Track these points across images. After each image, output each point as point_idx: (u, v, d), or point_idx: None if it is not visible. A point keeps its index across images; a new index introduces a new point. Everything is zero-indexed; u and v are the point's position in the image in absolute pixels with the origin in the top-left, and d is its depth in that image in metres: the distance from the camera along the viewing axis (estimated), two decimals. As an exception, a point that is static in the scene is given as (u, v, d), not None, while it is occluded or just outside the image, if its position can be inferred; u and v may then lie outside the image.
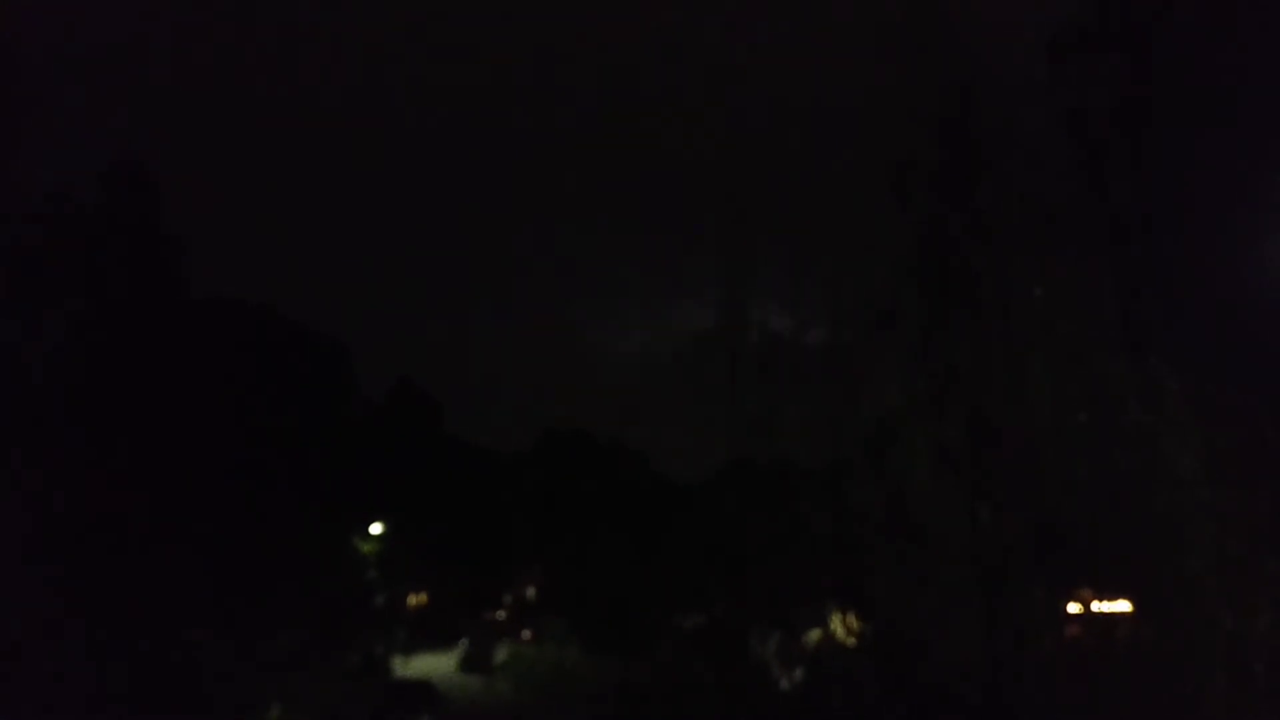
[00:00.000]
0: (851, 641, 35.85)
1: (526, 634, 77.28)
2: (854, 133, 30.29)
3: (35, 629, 31.88)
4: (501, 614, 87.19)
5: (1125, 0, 24.75)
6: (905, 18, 28.10)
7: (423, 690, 51.96)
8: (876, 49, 28.63)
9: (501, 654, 69.36)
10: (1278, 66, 22.68)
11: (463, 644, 71.49)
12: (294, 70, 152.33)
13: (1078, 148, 25.21)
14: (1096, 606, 28.24)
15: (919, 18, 27.93)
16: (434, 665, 65.47)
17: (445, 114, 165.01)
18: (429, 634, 76.52)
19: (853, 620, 35.59)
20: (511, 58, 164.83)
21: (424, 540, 74.52)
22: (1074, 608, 28.69)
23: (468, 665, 66.62)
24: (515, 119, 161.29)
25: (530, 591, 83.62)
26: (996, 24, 27.42)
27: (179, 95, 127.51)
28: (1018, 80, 27.28)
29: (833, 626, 37.08)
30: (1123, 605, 27.13)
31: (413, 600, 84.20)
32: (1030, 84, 26.73)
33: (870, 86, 29.33)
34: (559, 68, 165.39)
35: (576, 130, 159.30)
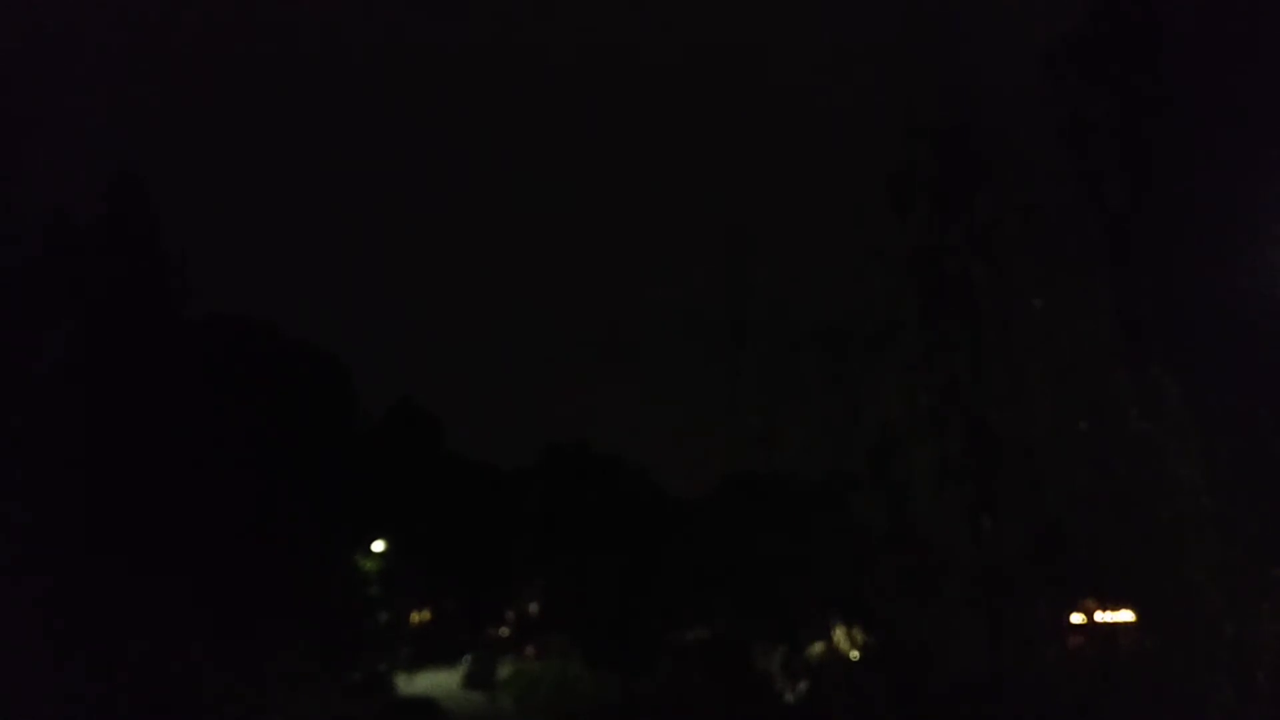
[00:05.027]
0: (855, 654, 35.87)
1: (530, 650, 77.24)
2: (853, 145, 30.38)
3: (35, 648, 31.79)
4: (505, 630, 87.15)
5: (1123, 10, 24.76)
6: (903, 29, 28.19)
7: (426, 707, 51.79)
8: (875, 61, 28.72)
9: (505, 670, 69.29)
10: (1276, 75, 22.69)
11: (466, 660, 71.38)
12: (297, 87, 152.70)
13: (1076, 158, 25.22)
14: (1099, 616, 28.21)
15: (917, 29, 28.01)
16: (437, 682, 65.40)
17: (446, 127, 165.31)
18: (432, 651, 76.49)
19: (856, 632, 35.61)
20: (513, 67, 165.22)
21: (426, 557, 74.49)
22: (1077, 618, 28.66)
23: (471, 682, 66.48)
24: (518, 130, 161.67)
25: (533, 607, 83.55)
26: (994, 35, 27.50)
27: (179, 111, 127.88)
28: (1016, 91, 27.33)
29: (836, 639, 37.10)
30: (1125, 615, 27.09)
31: (415, 617, 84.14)
32: (1028, 94, 26.76)
33: (869, 99, 29.42)
34: (560, 81, 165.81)
35: (578, 142, 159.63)
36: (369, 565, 66.47)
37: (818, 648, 38.29)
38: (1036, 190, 26.91)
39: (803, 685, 38.24)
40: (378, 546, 67.37)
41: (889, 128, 28.96)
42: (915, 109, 28.53)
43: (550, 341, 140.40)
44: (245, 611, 40.25)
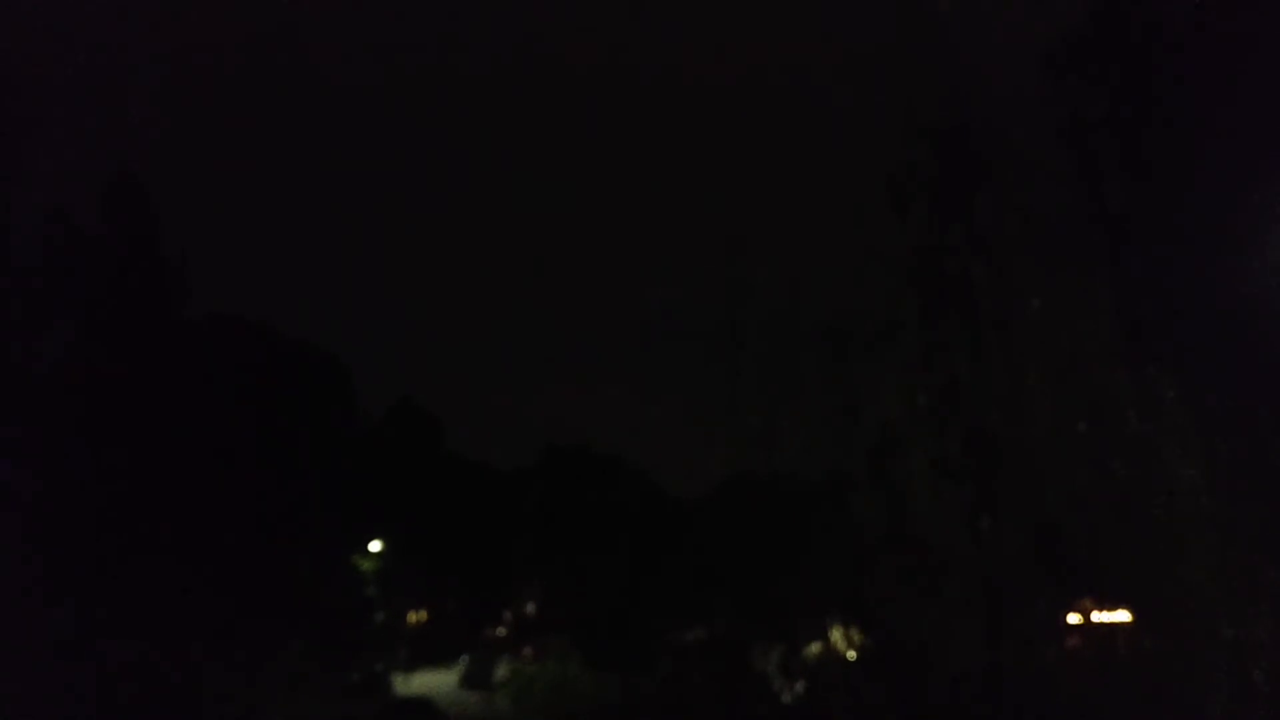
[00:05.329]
0: (853, 654, 35.86)
1: (527, 650, 77.08)
2: (852, 146, 30.36)
3: (35, 647, 31.77)
4: (502, 630, 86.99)
5: (1123, 10, 24.78)
6: (902, 30, 28.20)
7: (423, 708, 51.81)
8: (874, 62, 28.72)
9: (502, 671, 69.13)
10: (1275, 76, 22.69)
11: (463, 661, 71.26)
12: (297, 87, 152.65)
13: (1075, 158, 25.22)
14: (1097, 617, 28.23)
15: (916, 30, 28.02)
16: (434, 682, 65.32)
17: (446, 127, 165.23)
18: (429, 651, 76.33)
19: (854, 633, 35.60)
20: (512, 67, 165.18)
21: (424, 557, 74.43)
22: (1074, 618, 28.68)
23: (468, 682, 66.38)
24: (518, 130, 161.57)
25: (531, 608, 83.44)
26: (994, 35, 27.51)
27: (178, 112, 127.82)
28: (1015, 91, 27.33)
29: (834, 639, 37.08)
30: (1122, 615, 27.12)
31: (413, 617, 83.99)
32: (1027, 95, 26.77)
33: (868, 100, 29.41)
34: (560, 81, 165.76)
35: (578, 142, 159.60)
36: (366, 565, 66.45)
37: (815, 648, 38.28)
38: (1036, 190, 26.90)
39: (800, 685, 38.23)
40: (375, 546, 67.34)
41: (889, 128, 28.96)
42: (915, 109, 28.52)
43: (550, 341, 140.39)
44: (244, 612, 40.22)
